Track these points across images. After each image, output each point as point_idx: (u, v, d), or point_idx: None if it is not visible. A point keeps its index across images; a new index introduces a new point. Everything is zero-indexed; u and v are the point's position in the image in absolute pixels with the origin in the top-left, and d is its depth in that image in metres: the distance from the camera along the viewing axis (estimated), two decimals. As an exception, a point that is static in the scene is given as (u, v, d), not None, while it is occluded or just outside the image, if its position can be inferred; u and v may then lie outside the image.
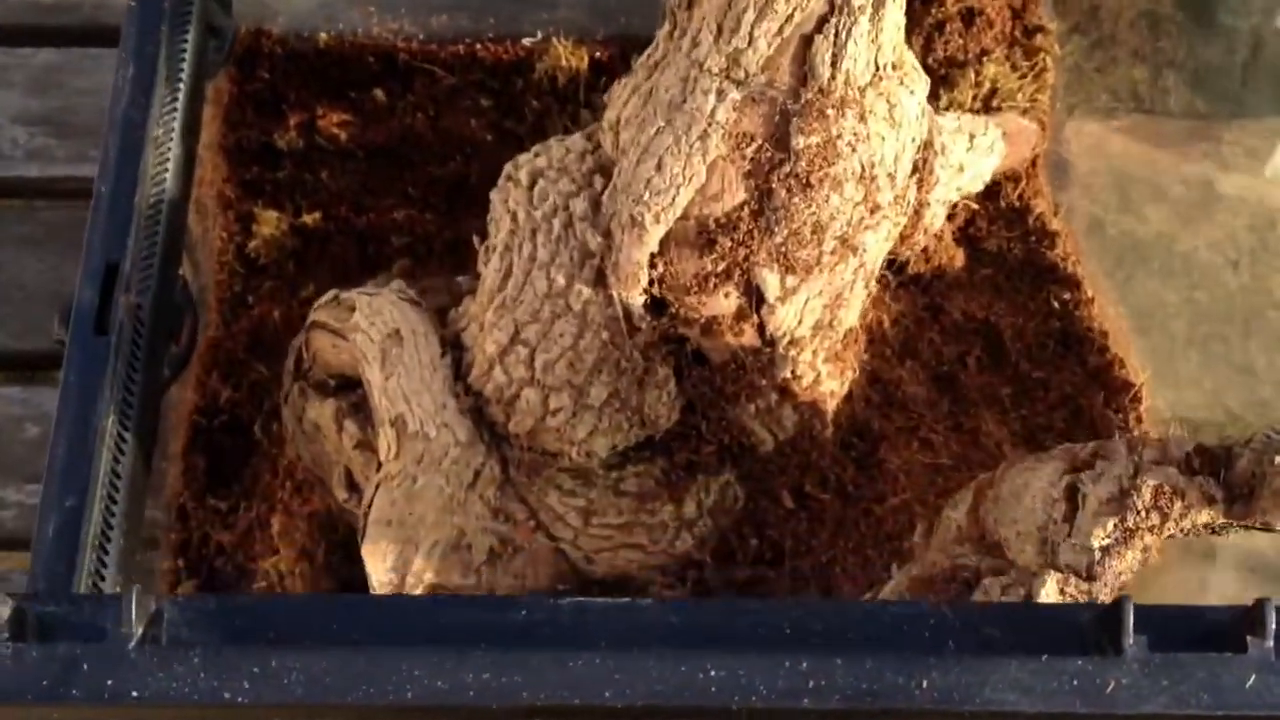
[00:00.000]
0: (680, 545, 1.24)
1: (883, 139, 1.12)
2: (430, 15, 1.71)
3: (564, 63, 1.69)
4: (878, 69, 1.10)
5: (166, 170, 1.34)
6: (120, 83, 1.37)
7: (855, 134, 1.10)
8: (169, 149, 1.35)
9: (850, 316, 1.23)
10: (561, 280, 1.17)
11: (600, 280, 1.17)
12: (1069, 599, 0.88)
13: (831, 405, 1.27)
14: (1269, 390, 2.91)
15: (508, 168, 1.28)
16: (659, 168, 1.11)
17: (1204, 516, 0.85)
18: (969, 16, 1.55)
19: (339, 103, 1.73)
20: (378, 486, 1.19)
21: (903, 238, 1.23)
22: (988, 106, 1.51)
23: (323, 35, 1.71)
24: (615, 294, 1.16)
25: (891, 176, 1.13)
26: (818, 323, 1.20)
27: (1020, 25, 1.57)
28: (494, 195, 1.27)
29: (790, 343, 1.20)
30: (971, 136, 1.31)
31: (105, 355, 1.24)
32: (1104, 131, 1.76)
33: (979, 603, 0.93)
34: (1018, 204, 1.53)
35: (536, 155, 1.26)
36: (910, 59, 1.15)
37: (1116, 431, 1.27)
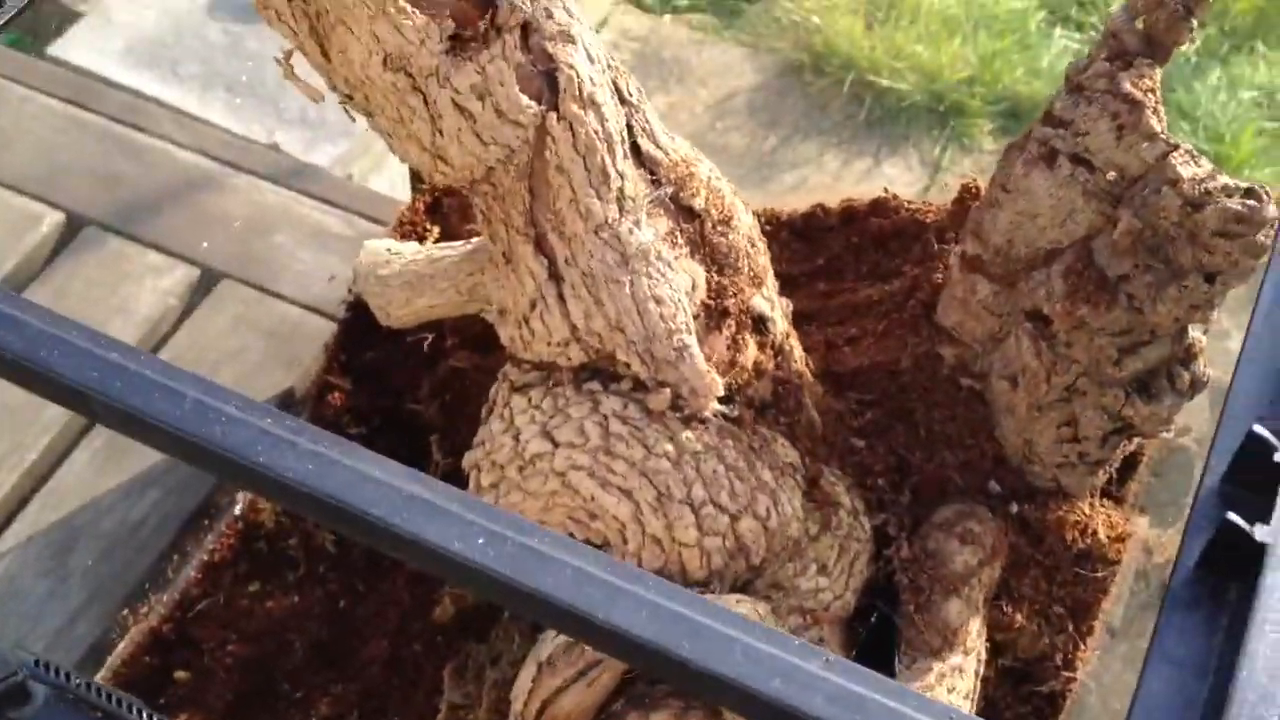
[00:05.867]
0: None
1: (710, 167, 1.37)
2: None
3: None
4: (667, 133, 1.35)
5: None
6: None
7: (709, 173, 1.35)
8: None
9: (777, 295, 1.48)
10: (670, 448, 1.29)
11: (687, 419, 1.30)
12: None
13: (809, 372, 1.51)
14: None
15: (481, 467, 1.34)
16: (658, 301, 1.27)
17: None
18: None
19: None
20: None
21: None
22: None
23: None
24: (707, 413, 1.31)
25: (732, 188, 1.39)
26: (784, 312, 1.43)
27: None
28: (535, 486, 1.32)
29: (786, 336, 1.42)
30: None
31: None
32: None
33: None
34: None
35: (518, 431, 1.33)
36: None
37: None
